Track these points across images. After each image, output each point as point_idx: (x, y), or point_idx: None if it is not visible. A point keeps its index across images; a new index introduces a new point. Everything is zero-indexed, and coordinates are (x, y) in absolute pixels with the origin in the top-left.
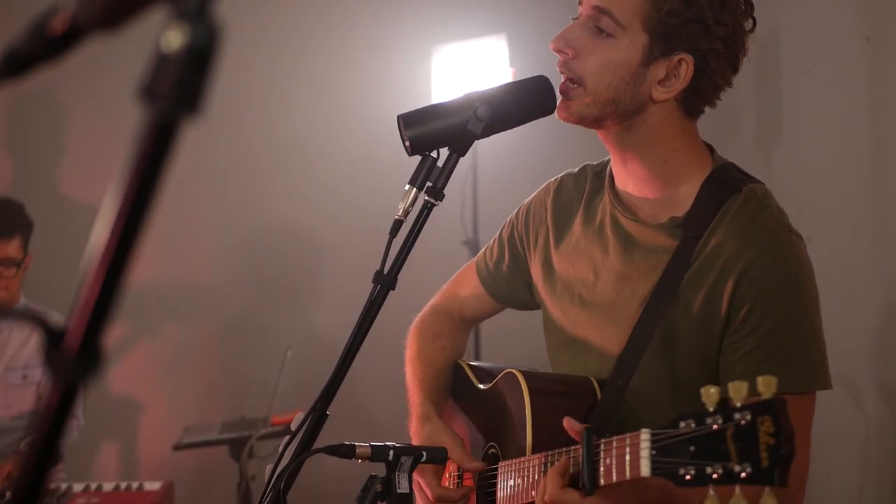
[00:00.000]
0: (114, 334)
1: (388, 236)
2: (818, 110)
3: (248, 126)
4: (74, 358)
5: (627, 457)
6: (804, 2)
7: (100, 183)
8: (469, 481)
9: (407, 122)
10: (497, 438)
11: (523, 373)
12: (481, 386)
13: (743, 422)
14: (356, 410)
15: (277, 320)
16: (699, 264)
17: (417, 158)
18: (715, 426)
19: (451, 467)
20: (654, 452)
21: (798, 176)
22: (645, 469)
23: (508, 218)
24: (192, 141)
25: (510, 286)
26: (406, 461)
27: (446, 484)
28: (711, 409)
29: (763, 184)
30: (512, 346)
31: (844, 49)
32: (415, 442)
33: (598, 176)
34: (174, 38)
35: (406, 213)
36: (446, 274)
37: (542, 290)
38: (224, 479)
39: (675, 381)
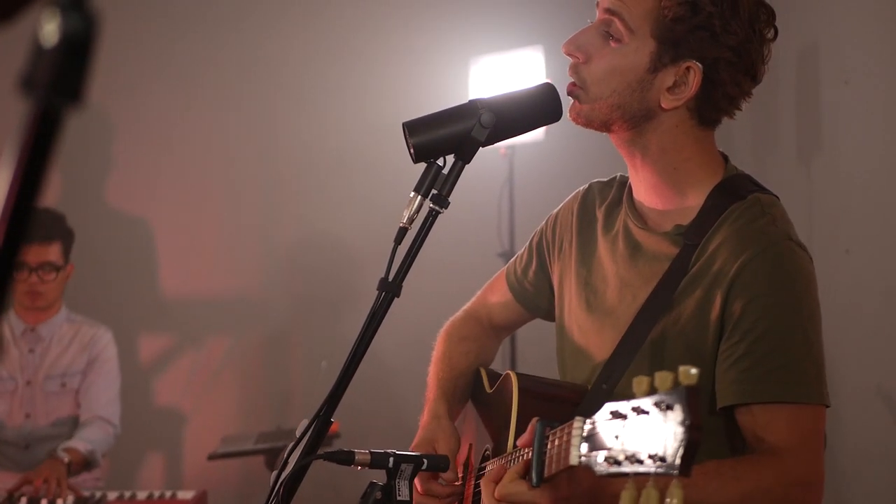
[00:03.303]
0: (159, 346)
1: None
2: (858, 121)
3: (288, 139)
4: None
5: (563, 446)
6: (842, 11)
7: (146, 195)
8: (470, 482)
9: (411, 129)
10: (494, 439)
11: (518, 374)
12: (489, 389)
13: (658, 410)
14: (401, 426)
15: (315, 333)
16: (695, 271)
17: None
18: (636, 414)
19: (460, 470)
20: (583, 442)
21: (838, 187)
22: (574, 458)
23: (539, 225)
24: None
25: (536, 293)
26: (406, 468)
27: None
28: (637, 398)
29: (775, 196)
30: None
31: (883, 58)
32: (418, 436)
33: (622, 186)
34: (49, 28)
35: (411, 220)
36: (483, 286)
37: (560, 296)
38: (260, 489)
39: None
